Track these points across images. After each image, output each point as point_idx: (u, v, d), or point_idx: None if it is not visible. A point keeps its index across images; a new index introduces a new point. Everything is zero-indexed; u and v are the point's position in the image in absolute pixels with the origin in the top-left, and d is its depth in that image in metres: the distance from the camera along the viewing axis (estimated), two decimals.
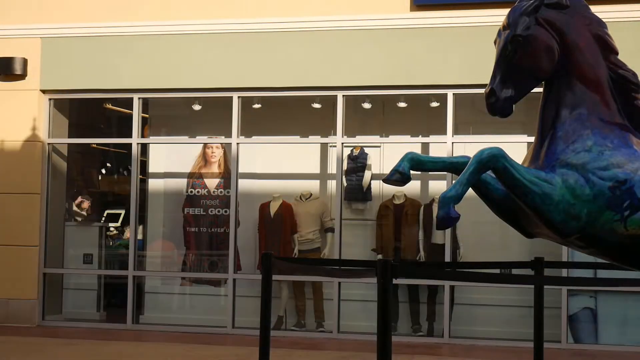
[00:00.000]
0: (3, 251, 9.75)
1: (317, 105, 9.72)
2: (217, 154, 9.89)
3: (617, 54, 4.53)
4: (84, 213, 10.52)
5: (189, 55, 9.50)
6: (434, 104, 9.34)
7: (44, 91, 9.92)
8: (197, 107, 10.10)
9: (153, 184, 10.44)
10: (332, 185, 9.70)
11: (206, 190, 9.90)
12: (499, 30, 4.40)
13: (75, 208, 10.37)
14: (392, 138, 9.86)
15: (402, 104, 9.66)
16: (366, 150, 9.70)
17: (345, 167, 9.59)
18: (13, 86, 9.86)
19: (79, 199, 10.39)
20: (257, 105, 9.84)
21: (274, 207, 9.69)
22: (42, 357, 7.65)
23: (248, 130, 9.82)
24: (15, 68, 9.74)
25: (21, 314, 9.70)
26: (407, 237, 9.37)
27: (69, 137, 10.45)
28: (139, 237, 10.08)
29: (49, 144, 10.02)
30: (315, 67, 9.26)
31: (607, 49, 4.47)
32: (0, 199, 9.81)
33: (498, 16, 4.80)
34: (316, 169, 10.04)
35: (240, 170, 9.70)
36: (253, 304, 8.96)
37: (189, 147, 10.19)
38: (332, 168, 9.69)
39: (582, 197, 4.20)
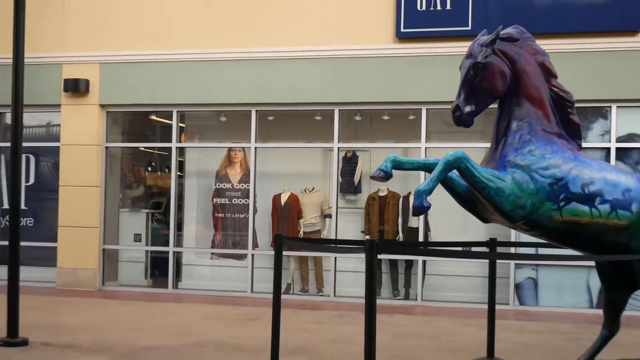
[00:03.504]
0: (71, 232, 9.82)
1: (318, 118, 9.76)
2: (239, 155, 9.92)
3: (556, 77, 4.56)
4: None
5: (217, 78, 9.52)
6: (411, 117, 9.37)
7: (102, 106, 9.96)
8: (223, 119, 10.16)
9: (188, 179, 10.47)
10: (330, 180, 9.71)
11: (230, 184, 9.92)
12: (463, 58, 4.43)
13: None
14: (377, 144, 9.87)
15: (385, 117, 9.70)
16: (357, 153, 9.72)
17: (340, 166, 9.62)
18: (78, 101, 9.92)
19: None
20: (271, 117, 9.88)
21: (284, 198, 9.73)
22: (102, 314, 7.70)
23: (264, 137, 9.85)
24: (80, 87, 9.80)
25: (86, 281, 9.77)
26: (389, 222, 9.39)
27: (122, 142, 10.50)
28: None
29: (106, 147, 10.06)
30: (317, 87, 9.28)
31: (549, 74, 4.52)
32: (69, 190, 9.88)
33: (463, 47, 4.80)
34: (317, 168, 10.06)
35: (258, 168, 9.73)
36: (267, 274, 9.00)
37: (216, 150, 10.20)
38: (330, 167, 9.71)
39: (527, 191, 4.23)
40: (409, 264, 9.33)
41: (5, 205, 10.20)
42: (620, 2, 8.44)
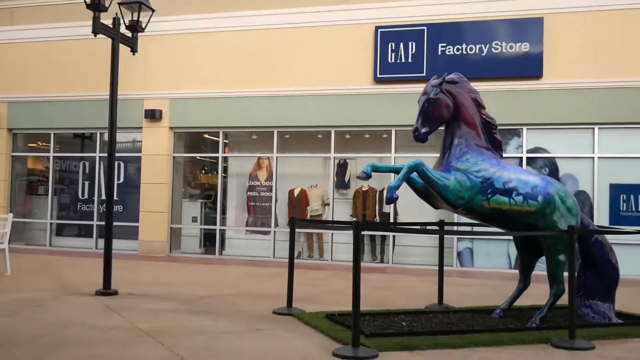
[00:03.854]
0: (148, 215, 9.83)
1: (320, 136, 9.72)
2: (265, 162, 9.90)
3: (485, 108, 4.55)
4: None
5: (250, 108, 9.54)
6: (384, 135, 9.34)
7: (170, 128, 9.97)
8: (254, 137, 10.14)
9: (230, 179, 10.44)
10: (328, 180, 9.69)
11: (259, 182, 9.90)
12: (420, 95, 4.43)
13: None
14: (361, 154, 9.85)
15: (367, 135, 9.67)
16: (347, 161, 9.68)
17: (335, 170, 9.58)
18: (154, 125, 9.94)
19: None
20: (287, 136, 9.85)
21: (296, 192, 9.70)
22: (169, 273, 7.68)
23: (282, 149, 9.83)
24: (156, 115, 9.83)
25: (158, 249, 9.75)
26: (369, 209, 9.35)
27: (184, 152, 10.47)
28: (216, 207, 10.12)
29: (173, 156, 10.06)
30: (319, 115, 9.28)
31: (480, 105, 4.51)
32: (147, 186, 9.90)
33: (420, 87, 4.79)
34: (319, 171, 10.03)
35: (278, 171, 9.72)
36: (284, 245, 9.01)
37: (249, 158, 10.19)
38: (329, 170, 9.69)
39: (465, 187, 4.22)
40: (383, 238, 9.29)
41: (103, 197, 10.20)
42: (528, 56, 8.49)
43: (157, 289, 6.15)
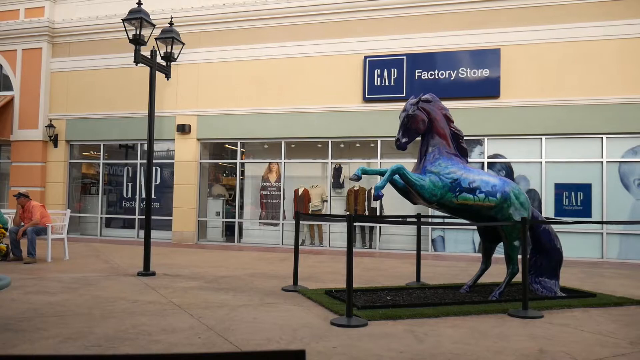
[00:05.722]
0: (180, 210, 9.79)
1: (319, 145, 9.71)
2: (275, 167, 9.88)
3: (453, 122, 4.54)
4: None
5: (262, 123, 9.51)
6: (372, 145, 9.34)
7: (198, 139, 9.93)
8: (266, 146, 10.11)
9: (246, 180, 10.40)
10: (326, 181, 9.68)
11: (270, 183, 9.88)
12: (401, 112, 4.42)
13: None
14: (353, 160, 9.84)
15: (357, 145, 9.65)
16: (342, 165, 9.66)
17: (332, 173, 9.56)
18: (185, 137, 9.89)
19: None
20: (293, 145, 9.83)
21: (300, 191, 9.66)
22: (197, 257, 7.66)
23: (289, 156, 9.81)
24: (186, 129, 9.78)
25: (188, 238, 9.73)
26: (360, 205, 9.34)
27: (209, 159, 10.44)
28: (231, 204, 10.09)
29: (200, 162, 10.02)
30: (319, 128, 9.25)
31: (449, 120, 4.50)
32: (179, 187, 9.85)
33: (400, 105, 4.78)
34: (319, 173, 10.02)
35: (285, 174, 9.69)
36: (291, 234, 8.98)
37: (262, 164, 10.16)
38: (327, 173, 9.67)
39: (438, 186, 4.21)
40: (372, 228, 9.27)
41: (143, 196, 10.19)
42: (487, 80, 8.48)
43: (187, 270, 6.14)
